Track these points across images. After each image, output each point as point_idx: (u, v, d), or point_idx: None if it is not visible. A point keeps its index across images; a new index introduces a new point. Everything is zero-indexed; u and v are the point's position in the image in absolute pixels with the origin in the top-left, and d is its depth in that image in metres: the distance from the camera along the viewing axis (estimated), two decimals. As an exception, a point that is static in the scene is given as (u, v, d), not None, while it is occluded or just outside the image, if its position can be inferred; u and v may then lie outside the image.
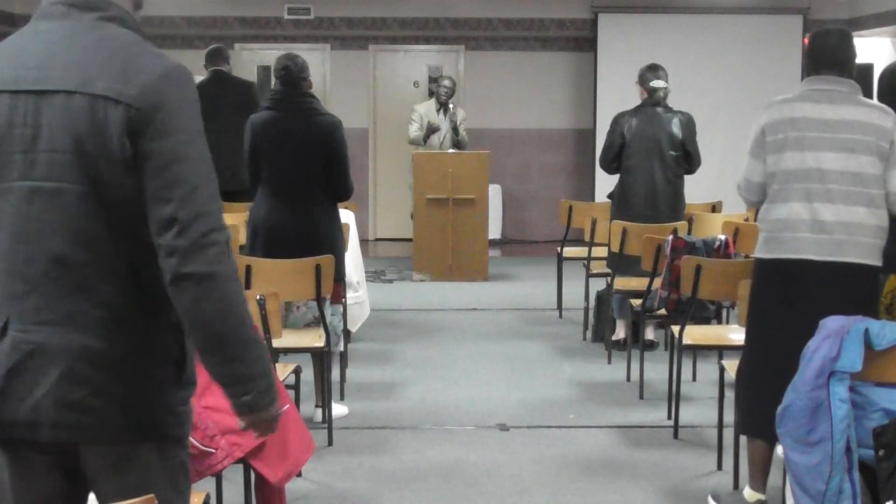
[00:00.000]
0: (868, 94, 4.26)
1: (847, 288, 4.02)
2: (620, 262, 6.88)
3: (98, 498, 2.29)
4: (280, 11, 12.54)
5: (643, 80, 7.10)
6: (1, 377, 2.18)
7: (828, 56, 4.13)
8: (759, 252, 4.17)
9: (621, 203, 7.13)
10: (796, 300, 4.04)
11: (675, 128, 6.99)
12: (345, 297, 6.20)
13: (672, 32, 12.30)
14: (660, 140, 6.98)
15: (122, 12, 2.27)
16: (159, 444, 2.28)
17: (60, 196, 2.16)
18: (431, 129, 10.01)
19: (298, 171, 5.46)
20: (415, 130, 10.09)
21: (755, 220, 4.28)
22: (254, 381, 2.22)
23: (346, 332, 6.44)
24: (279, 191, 5.48)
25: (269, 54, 12.75)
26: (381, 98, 12.84)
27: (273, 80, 5.66)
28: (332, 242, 5.50)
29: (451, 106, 10.02)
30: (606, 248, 7.19)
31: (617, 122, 7.14)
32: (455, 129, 10.01)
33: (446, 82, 10.13)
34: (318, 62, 12.61)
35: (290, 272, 5.15)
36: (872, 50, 12.23)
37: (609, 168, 7.24)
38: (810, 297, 4.00)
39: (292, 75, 5.52)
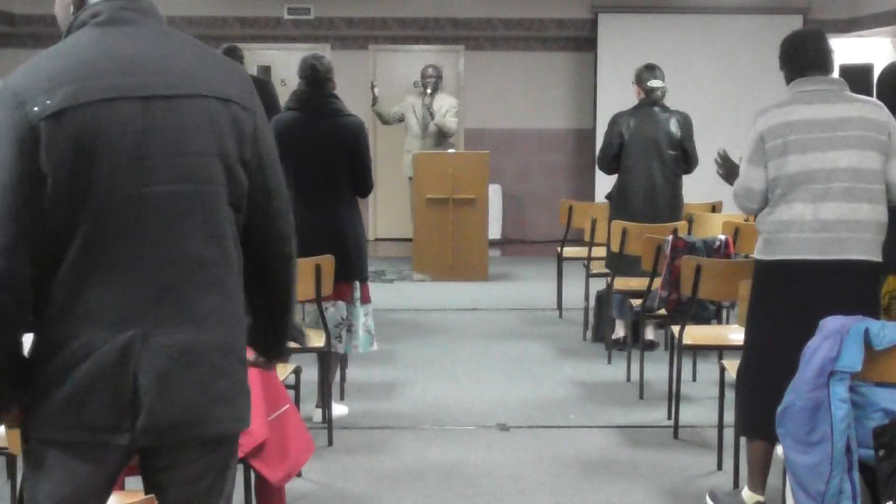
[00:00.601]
0: (869, 94, 4.27)
1: (850, 285, 4.02)
2: (620, 263, 6.89)
3: (168, 491, 2.29)
4: (280, 11, 12.54)
5: (640, 79, 7.10)
6: (151, 383, 2.16)
7: (810, 58, 4.15)
8: (760, 254, 4.17)
9: (620, 203, 7.13)
10: (799, 301, 4.04)
11: (674, 127, 7.00)
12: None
13: (672, 32, 12.29)
14: (658, 140, 6.99)
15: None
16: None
17: (200, 197, 2.22)
18: (372, 89, 10.13)
19: (325, 172, 5.47)
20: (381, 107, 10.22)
21: (755, 222, 4.27)
22: (292, 331, 2.61)
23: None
24: (305, 191, 5.47)
25: (269, 54, 12.76)
26: (381, 98, 12.80)
27: (298, 81, 5.66)
28: (358, 242, 5.54)
29: (427, 92, 10.00)
30: (605, 249, 7.22)
31: (615, 122, 7.14)
32: (431, 114, 9.97)
33: (429, 70, 10.16)
34: (318, 62, 12.60)
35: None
36: (872, 50, 12.23)
37: (607, 168, 7.24)
38: (813, 297, 4.00)
39: (319, 76, 5.55)
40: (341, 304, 5.48)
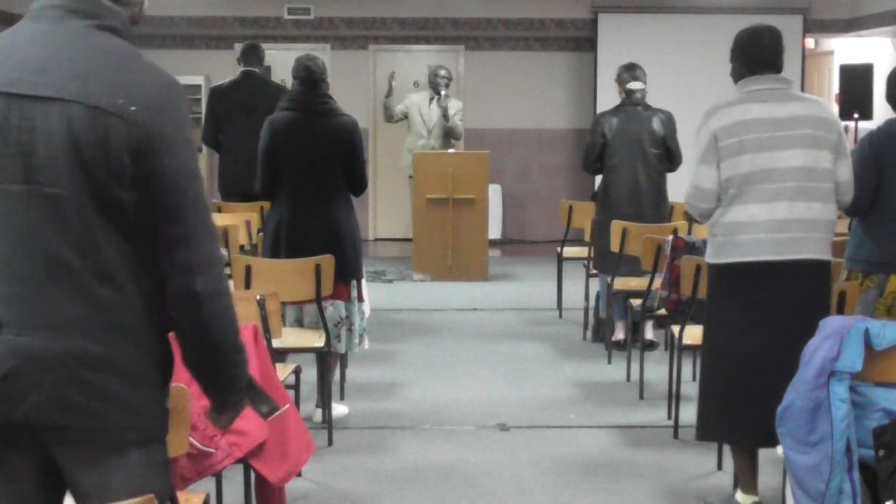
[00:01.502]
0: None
1: (805, 285, 4.04)
2: (606, 262, 6.96)
3: (78, 498, 2.28)
4: (280, 11, 12.53)
5: (621, 80, 7.14)
6: None
7: (765, 57, 4.15)
8: (714, 257, 4.15)
9: (605, 202, 7.15)
10: (757, 303, 4.04)
11: (656, 126, 7.01)
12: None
13: (672, 32, 12.29)
14: (641, 139, 7.00)
15: (117, 22, 2.27)
16: (151, 445, 2.31)
17: (58, 201, 2.15)
18: (390, 80, 10.12)
19: (321, 172, 5.49)
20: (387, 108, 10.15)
21: (708, 224, 4.25)
22: (240, 385, 2.39)
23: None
24: (301, 191, 5.49)
25: (270, 54, 12.71)
26: (381, 98, 12.80)
27: (292, 81, 5.67)
28: (354, 241, 5.56)
29: (442, 93, 9.96)
30: (592, 248, 7.28)
31: (598, 122, 7.18)
32: (445, 115, 9.96)
33: (442, 72, 10.08)
34: (318, 62, 12.59)
35: (290, 272, 5.15)
36: (872, 50, 12.23)
37: (592, 169, 7.26)
38: (770, 298, 4.02)
39: (314, 77, 5.55)
40: (340, 303, 5.49)
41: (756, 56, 4.14)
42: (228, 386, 2.37)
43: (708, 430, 4.28)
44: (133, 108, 2.15)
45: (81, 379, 2.18)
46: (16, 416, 2.17)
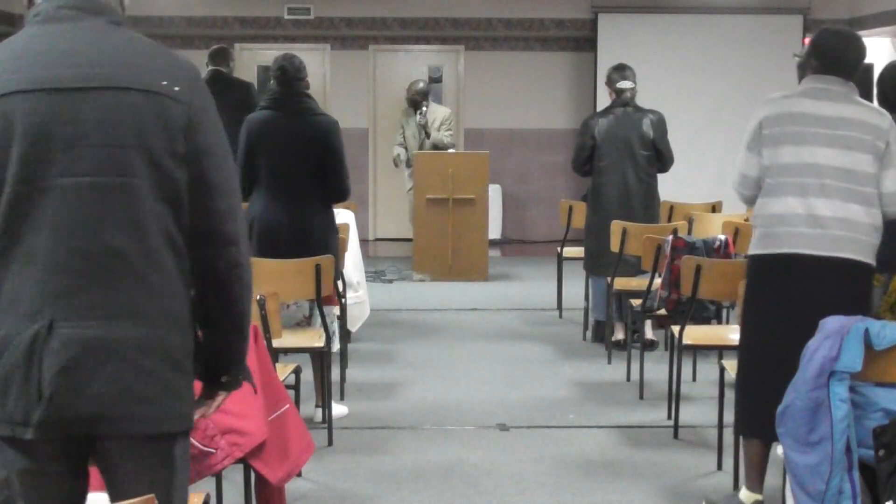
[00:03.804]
0: (869, 94, 4.28)
1: (843, 285, 4.01)
2: (596, 264, 7.02)
3: (115, 489, 2.28)
4: (280, 11, 12.54)
5: (610, 81, 7.15)
6: (54, 375, 2.15)
7: (841, 63, 4.10)
8: (755, 248, 4.16)
9: (595, 204, 7.15)
10: (792, 296, 4.03)
11: (646, 127, 7.01)
12: (345, 297, 6.19)
13: (672, 32, 12.29)
14: (631, 140, 7.00)
15: (120, 17, 2.33)
16: (186, 436, 2.36)
17: (116, 190, 2.20)
18: (396, 162, 10.20)
19: (295, 171, 5.44)
20: (395, 150, 10.17)
21: (752, 216, 4.26)
22: (243, 362, 2.46)
23: (347, 332, 6.43)
24: (275, 190, 5.46)
25: (270, 54, 12.73)
26: (381, 98, 12.83)
27: (270, 80, 5.66)
28: (327, 244, 5.47)
29: (423, 109, 9.94)
30: (585, 248, 7.29)
31: (587, 124, 7.19)
32: (427, 133, 9.94)
33: (420, 85, 10.02)
34: (318, 62, 12.60)
35: (290, 272, 5.15)
36: (872, 50, 12.22)
37: (581, 171, 7.25)
38: (806, 294, 4.00)
39: (289, 75, 5.52)
40: (304, 303, 5.47)
41: (831, 57, 4.08)
42: (233, 359, 2.41)
43: (744, 425, 4.27)
44: (177, 89, 2.24)
45: (140, 366, 2.21)
46: (83, 408, 2.18)
